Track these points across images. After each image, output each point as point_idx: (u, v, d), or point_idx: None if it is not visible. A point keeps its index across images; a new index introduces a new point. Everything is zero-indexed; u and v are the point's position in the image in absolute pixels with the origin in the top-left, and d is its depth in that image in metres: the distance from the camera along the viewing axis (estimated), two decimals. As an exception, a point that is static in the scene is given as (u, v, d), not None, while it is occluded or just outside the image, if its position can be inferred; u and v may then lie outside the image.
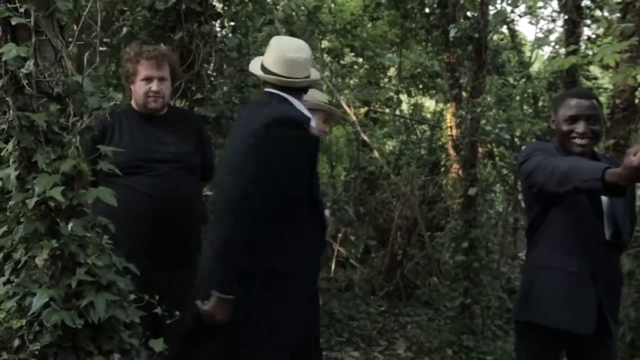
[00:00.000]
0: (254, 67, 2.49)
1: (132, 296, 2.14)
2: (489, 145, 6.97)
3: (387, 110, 10.58)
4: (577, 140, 2.61)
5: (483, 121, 5.82)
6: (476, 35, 5.91)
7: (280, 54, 2.35)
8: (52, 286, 1.89)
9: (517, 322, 2.89)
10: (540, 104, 10.24)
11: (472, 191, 5.78)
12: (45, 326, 1.80)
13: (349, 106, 7.17)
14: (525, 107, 9.84)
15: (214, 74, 4.55)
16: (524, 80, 10.17)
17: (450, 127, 7.58)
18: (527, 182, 2.62)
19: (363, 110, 7.67)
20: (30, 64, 1.84)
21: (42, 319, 1.80)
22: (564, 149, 2.69)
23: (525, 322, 2.77)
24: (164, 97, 3.11)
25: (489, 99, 6.15)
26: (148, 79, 3.05)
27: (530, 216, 2.81)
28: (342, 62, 9.76)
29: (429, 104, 13.21)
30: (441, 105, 11.38)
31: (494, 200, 7.19)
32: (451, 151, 7.53)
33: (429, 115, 12.56)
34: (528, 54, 11.64)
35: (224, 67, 4.70)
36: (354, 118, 7.07)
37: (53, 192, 1.88)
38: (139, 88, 3.08)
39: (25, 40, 1.87)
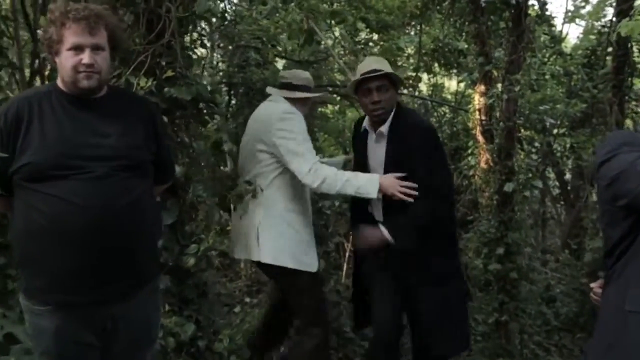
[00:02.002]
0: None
1: None
2: (524, 131, 6.00)
3: (404, 91, 9.60)
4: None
5: (521, 101, 4.84)
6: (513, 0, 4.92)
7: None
8: None
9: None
10: (572, 83, 9.25)
11: (508, 187, 4.83)
12: None
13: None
14: (555, 86, 8.83)
15: (192, 46, 3.62)
16: (554, 56, 9.18)
17: (479, 110, 6.62)
18: (612, 190, 2.03)
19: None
20: None
21: None
22: None
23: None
24: (101, 73, 2.20)
25: (533, 76, 5.17)
26: (77, 48, 2.21)
27: (613, 236, 2.17)
28: (355, 38, 8.82)
29: (449, 84, 12.25)
30: (462, 85, 10.43)
31: (532, 197, 6.22)
32: (480, 137, 6.57)
33: (449, 97, 11.63)
34: (558, 28, 10.59)
35: (204, 38, 3.77)
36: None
37: None
38: (65, 60, 2.23)
39: None
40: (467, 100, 10.51)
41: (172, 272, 3.54)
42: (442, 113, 10.26)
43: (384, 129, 3.24)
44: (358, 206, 3.52)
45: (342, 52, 8.33)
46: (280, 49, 8.18)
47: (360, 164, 3.43)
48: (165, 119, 3.24)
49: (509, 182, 4.87)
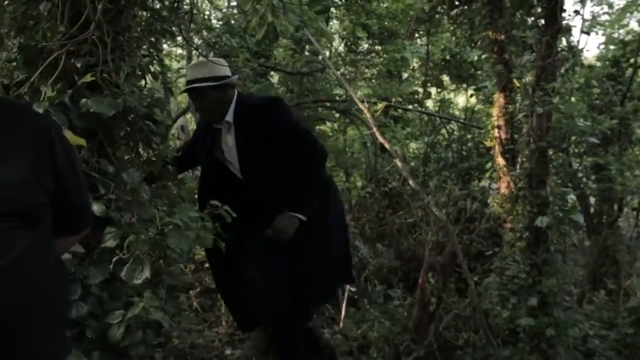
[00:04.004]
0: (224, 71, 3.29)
1: None
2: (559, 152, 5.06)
3: (410, 107, 8.67)
4: None
5: (556, 116, 3.91)
6: (548, -9, 4.01)
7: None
8: None
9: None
10: (593, 97, 8.34)
11: (541, 221, 3.89)
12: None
13: (362, 102, 5.31)
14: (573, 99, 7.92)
15: (125, 40, 2.69)
16: (576, 67, 8.27)
17: (498, 127, 5.68)
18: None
19: (380, 106, 5.83)
20: None
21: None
22: None
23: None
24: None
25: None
26: None
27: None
28: (354, 47, 7.94)
29: (457, 99, 11.37)
30: (473, 100, 9.52)
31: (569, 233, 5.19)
32: (500, 159, 5.62)
33: (457, 113, 10.73)
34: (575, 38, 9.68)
35: (141, 31, 2.84)
36: (368, 116, 5.22)
37: None
38: None
39: None
40: (477, 116, 9.64)
41: (101, 348, 2.64)
42: (451, 130, 9.35)
43: (229, 117, 3.26)
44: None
45: (340, 63, 7.43)
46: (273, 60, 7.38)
47: (193, 155, 3.58)
48: (83, 142, 2.34)
49: (542, 215, 3.92)
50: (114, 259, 2.56)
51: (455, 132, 9.25)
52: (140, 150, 2.63)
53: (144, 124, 2.52)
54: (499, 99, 5.66)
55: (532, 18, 4.32)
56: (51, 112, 2.35)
